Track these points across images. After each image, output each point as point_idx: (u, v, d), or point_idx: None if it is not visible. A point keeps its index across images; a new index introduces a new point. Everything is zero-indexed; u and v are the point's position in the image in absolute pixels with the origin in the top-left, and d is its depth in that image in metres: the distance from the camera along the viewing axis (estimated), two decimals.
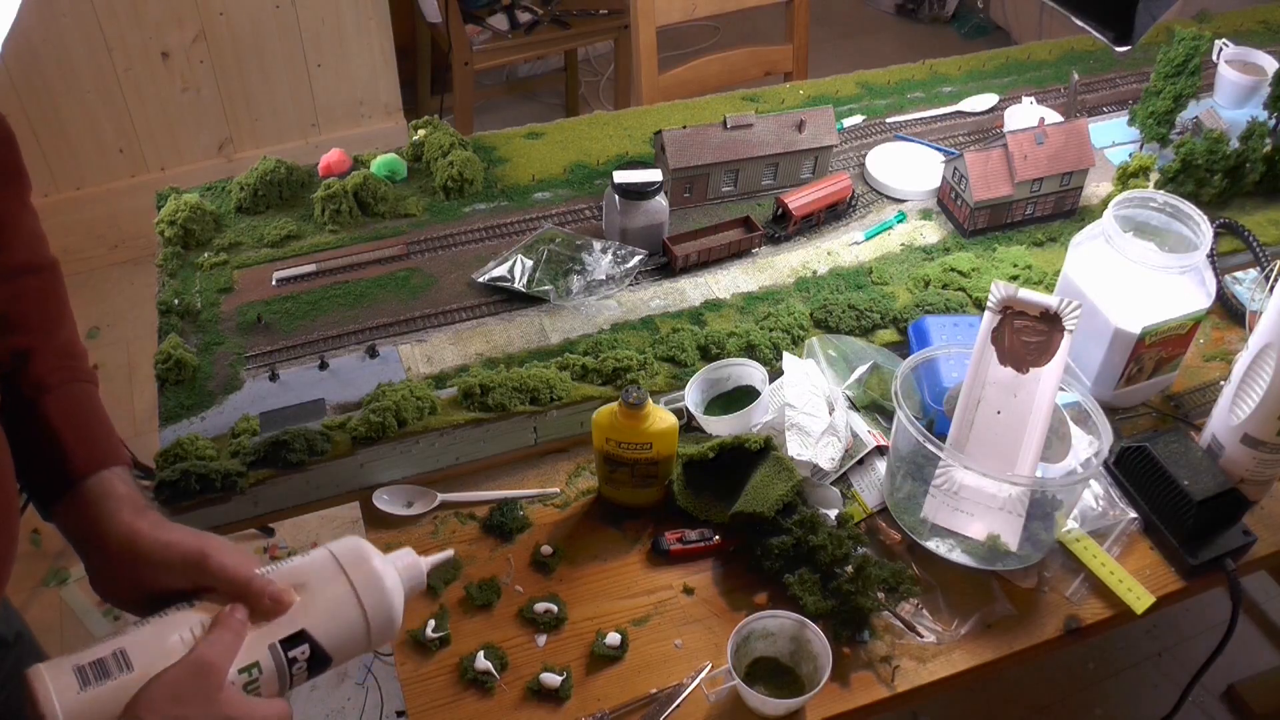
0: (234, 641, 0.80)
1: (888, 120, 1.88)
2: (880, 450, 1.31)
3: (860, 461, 1.31)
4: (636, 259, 1.53)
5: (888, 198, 1.72)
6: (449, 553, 1.07)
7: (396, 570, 0.88)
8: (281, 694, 0.83)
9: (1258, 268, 1.58)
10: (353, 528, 1.86)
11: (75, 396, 0.92)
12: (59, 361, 0.92)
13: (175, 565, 0.84)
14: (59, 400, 0.91)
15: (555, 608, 1.17)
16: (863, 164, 1.77)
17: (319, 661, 0.84)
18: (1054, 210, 1.68)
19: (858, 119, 1.87)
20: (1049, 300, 1.18)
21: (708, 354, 1.41)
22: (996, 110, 1.91)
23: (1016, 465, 1.20)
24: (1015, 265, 1.57)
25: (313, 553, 0.89)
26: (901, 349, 1.44)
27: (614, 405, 1.20)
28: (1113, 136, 1.85)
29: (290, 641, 0.82)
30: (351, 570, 0.86)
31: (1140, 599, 1.19)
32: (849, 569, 1.16)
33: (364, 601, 0.85)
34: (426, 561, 0.92)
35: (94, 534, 0.86)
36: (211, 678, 0.78)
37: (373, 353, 1.40)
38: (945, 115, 1.90)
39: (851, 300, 1.49)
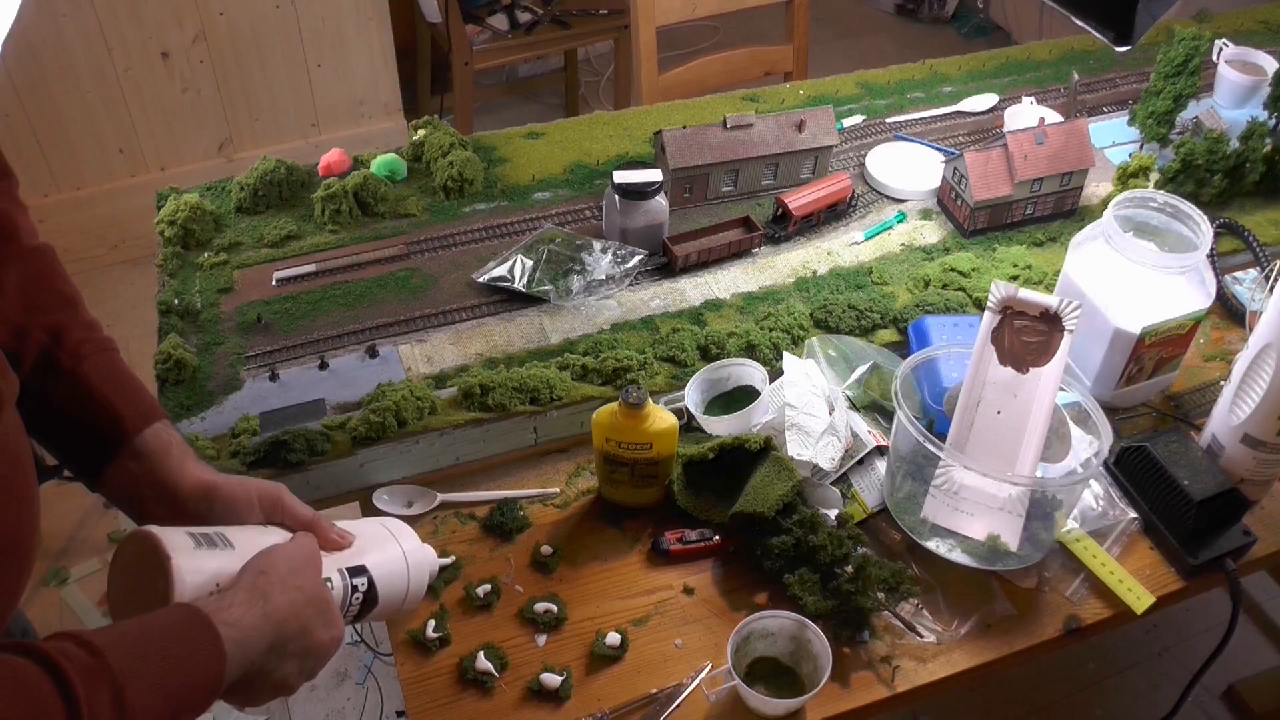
0: (317, 549, 0.90)
1: (888, 120, 1.88)
2: (880, 450, 1.31)
3: (860, 461, 1.31)
4: (636, 259, 1.53)
5: (888, 198, 1.72)
6: (452, 559, 1.18)
7: (427, 551, 1.03)
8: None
9: (1258, 268, 1.58)
10: None
11: (109, 361, 0.96)
12: (86, 332, 0.96)
13: (255, 503, 0.93)
14: (97, 366, 0.95)
15: (555, 608, 1.17)
16: (863, 164, 1.77)
17: (369, 602, 0.95)
18: (1054, 210, 1.68)
19: (858, 119, 1.87)
20: (1049, 300, 1.18)
21: (708, 354, 1.41)
22: (996, 110, 1.91)
23: (1016, 465, 1.20)
24: (1015, 265, 1.57)
25: (363, 519, 1.04)
26: (901, 349, 1.44)
27: (614, 405, 1.20)
28: (1113, 136, 1.85)
29: (355, 572, 0.93)
30: (400, 538, 1.01)
31: (1140, 599, 1.19)
32: (849, 569, 1.16)
33: (410, 564, 0.99)
34: (441, 560, 1.08)
35: (160, 485, 0.92)
36: (315, 563, 0.88)
37: (373, 353, 1.40)
38: (945, 115, 1.90)
39: (851, 300, 1.48)
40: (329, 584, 0.90)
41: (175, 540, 0.81)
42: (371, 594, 0.94)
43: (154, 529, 0.81)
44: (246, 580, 0.82)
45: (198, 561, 0.81)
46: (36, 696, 0.65)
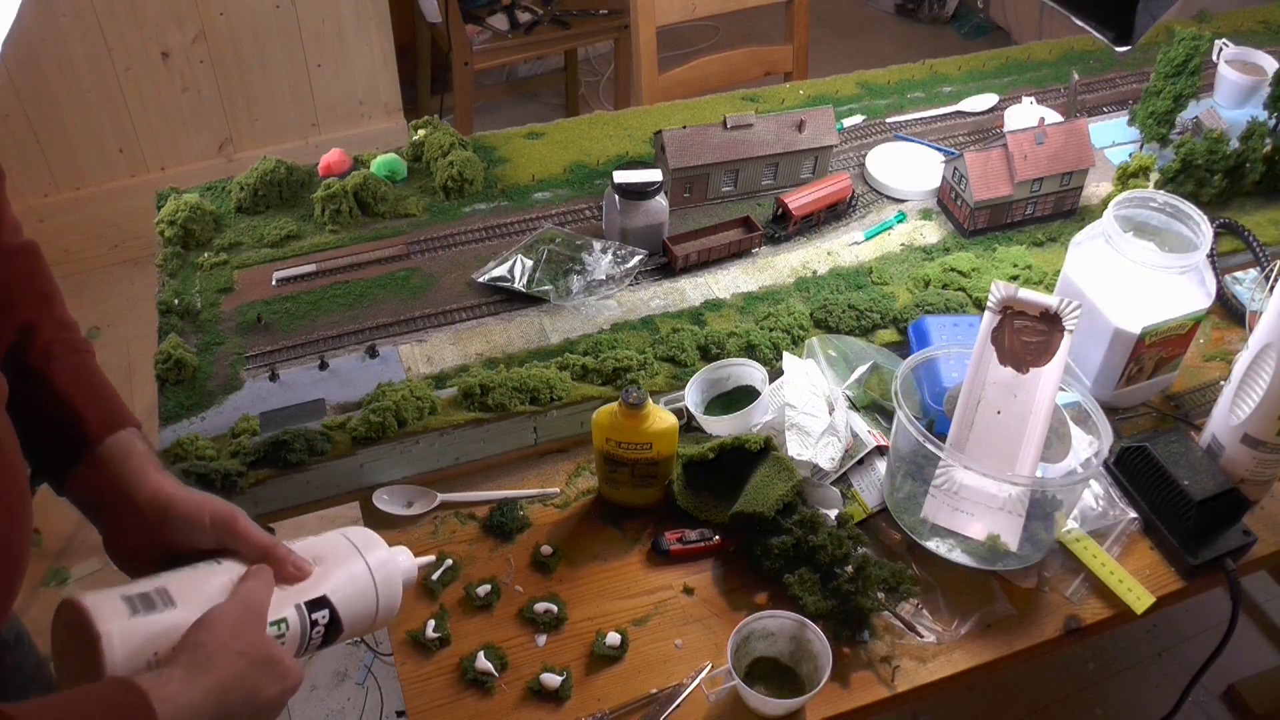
0: (268, 592, 0.84)
1: (888, 120, 1.88)
2: (880, 450, 1.31)
3: (860, 461, 1.31)
4: (636, 259, 1.53)
5: (888, 198, 1.72)
6: (432, 559, 1.12)
7: (398, 560, 0.94)
8: (298, 656, 0.87)
9: (1258, 268, 1.58)
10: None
11: (80, 364, 0.94)
12: (58, 332, 0.94)
13: (207, 524, 0.87)
14: (65, 368, 0.92)
15: (555, 608, 1.17)
16: (863, 164, 1.77)
17: (333, 629, 0.89)
18: (1054, 210, 1.68)
19: (858, 119, 1.87)
20: (1049, 300, 1.18)
21: (708, 354, 1.41)
22: (996, 110, 1.91)
23: (1016, 465, 1.20)
24: (1015, 265, 1.57)
25: (325, 534, 0.94)
26: (901, 349, 1.44)
27: (614, 405, 1.20)
28: (1113, 136, 1.85)
29: (314, 605, 0.87)
30: (365, 551, 0.92)
31: (1140, 599, 1.19)
32: (849, 569, 1.16)
33: (376, 579, 0.91)
34: (419, 561, 0.98)
35: (118, 494, 0.88)
36: (260, 616, 0.82)
37: (373, 353, 1.40)
38: (945, 115, 1.90)
39: (851, 300, 1.48)
40: (283, 625, 0.85)
41: (108, 608, 0.77)
42: (335, 622, 0.89)
43: (85, 598, 0.77)
44: (185, 655, 0.77)
45: (132, 629, 0.77)
46: None
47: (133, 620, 0.77)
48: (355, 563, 0.92)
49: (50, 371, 0.91)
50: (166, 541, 0.87)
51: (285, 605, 0.86)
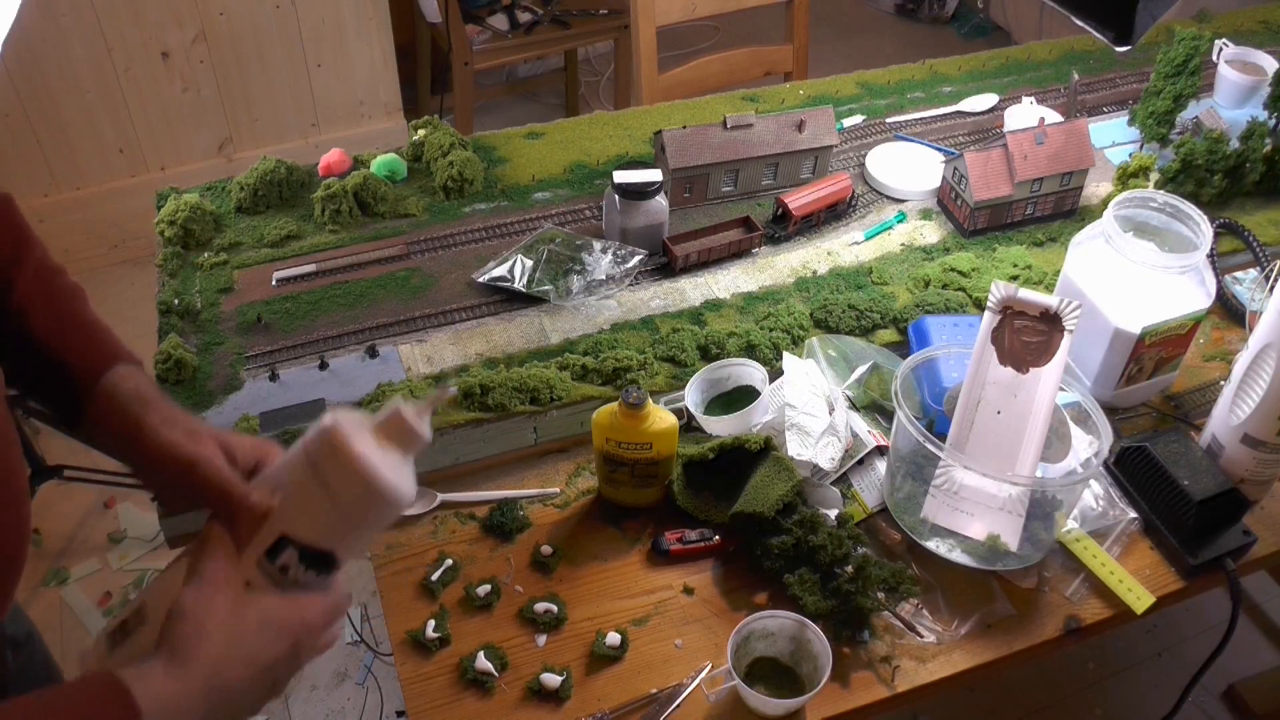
0: (224, 559, 0.77)
1: (888, 120, 1.88)
2: (880, 450, 1.31)
3: (860, 461, 1.31)
4: (636, 259, 1.53)
5: (888, 198, 1.72)
6: (451, 390, 0.99)
7: (379, 437, 0.78)
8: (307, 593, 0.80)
9: (1258, 268, 1.58)
10: None
11: (59, 310, 0.90)
12: (34, 282, 0.89)
13: (169, 474, 0.81)
14: (44, 316, 0.88)
15: (555, 608, 1.17)
16: (863, 164, 1.77)
17: (317, 559, 0.79)
18: (1054, 210, 1.68)
19: (858, 119, 1.87)
20: (1049, 300, 1.18)
21: (708, 354, 1.41)
22: (996, 110, 1.91)
23: (1016, 465, 1.20)
24: (1015, 265, 1.57)
25: (292, 446, 0.82)
26: (901, 349, 1.44)
27: (614, 405, 1.20)
28: (1113, 136, 1.85)
29: (273, 552, 0.78)
30: (320, 460, 0.78)
31: (1140, 599, 1.19)
32: (849, 569, 1.16)
33: (335, 489, 0.77)
34: (417, 409, 0.79)
35: (120, 440, 0.85)
36: (223, 585, 0.75)
37: (373, 353, 1.40)
38: (945, 115, 1.90)
39: (851, 300, 1.48)
40: (252, 584, 0.77)
41: (92, 658, 0.77)
42: (312, 553, 0.78)
43: (81, 658, 0.76)
44: (163, 649, 0.73)
45: (115, 665, 0.74)
46: None
47: (114, 656, 0.76)
48: (305, 479, 0.78)
49: (29, 324, 0.88)
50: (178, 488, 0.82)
51: (249, 566, 0.78)
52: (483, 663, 1.11)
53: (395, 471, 0.78)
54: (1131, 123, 1.82)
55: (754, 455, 1.26)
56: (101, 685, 0.69)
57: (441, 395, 0.85)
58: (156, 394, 0.87)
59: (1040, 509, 1.22)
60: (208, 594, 0.75)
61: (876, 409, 1.37)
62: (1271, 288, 1.38)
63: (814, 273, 1.57)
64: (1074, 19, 1.07)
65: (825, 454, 1.26)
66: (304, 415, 1.31)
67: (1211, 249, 1.37)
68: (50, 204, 2.88)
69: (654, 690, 1.11)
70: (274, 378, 1.37)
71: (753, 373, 1.35)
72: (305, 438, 0.79)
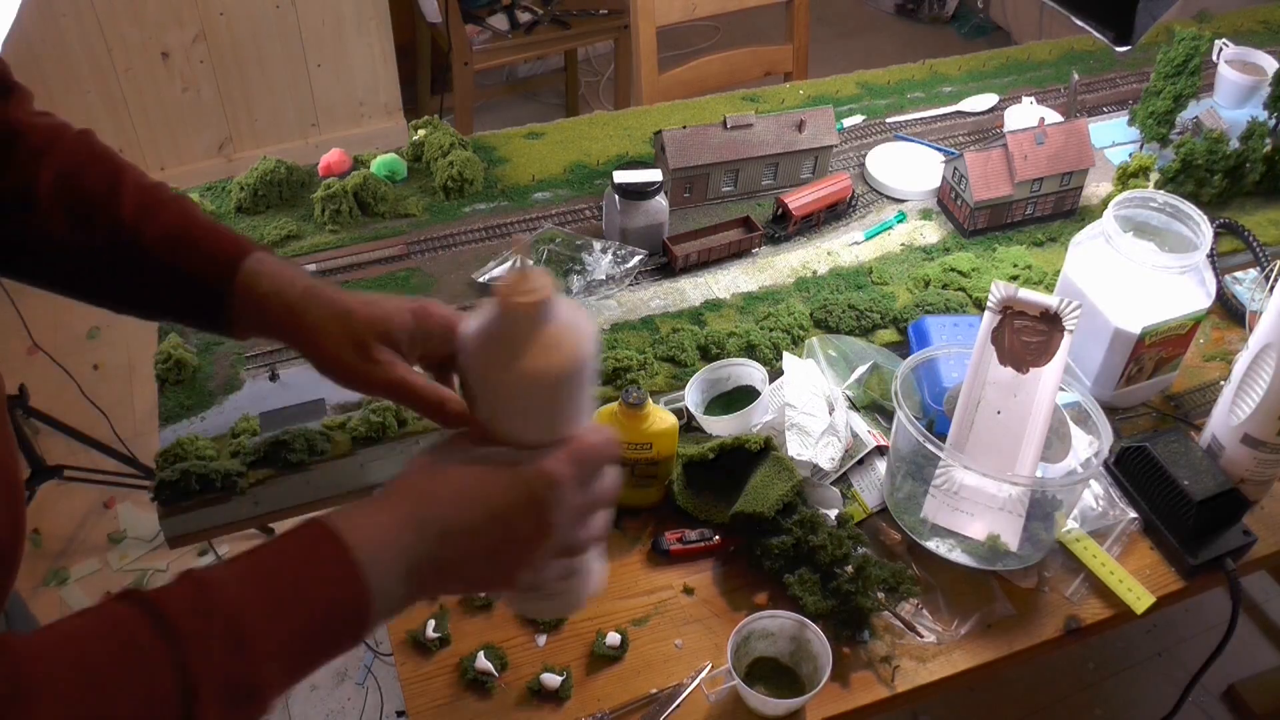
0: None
1: (888, 120, 1.88)
2: (880, 450, 1.31)
3: (860, 461, 1.31)
4: (636, 259, 1.53)
5: (888, 198, 1.72)
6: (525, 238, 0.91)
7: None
8: None
9: (1258, 268, 1.58)
10: None
11: (172, 219, 0.88)
12: (140, 195, 0.88)
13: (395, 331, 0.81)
14: (161, 227, 0.86)
15: None
16: (863, 164, 1.77)
17: None
18: (1054, 210, 1.68)
19: (858, 119, 1.87)
20: (1049, 300, 1.18)
21: (708, 354, 1.41)
22: (996, 110, 1.91)
23: (1016, 465, 1.20)
24: (1015, 265, 1.57)
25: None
26: (901, 349, 1.44)
27: (614, 405, 1.20)
28: (1113, 136, 1.85)
29: None
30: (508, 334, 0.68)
31: (1140, 599, 1.19)
32: (849, 569, 1.16)
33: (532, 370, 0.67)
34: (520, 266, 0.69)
35: (281, 317, 0.84)
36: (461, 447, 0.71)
37: None
38: (945, 115, 1.90)
39: (851, 300, 1.48)
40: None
41: None
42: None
43: None
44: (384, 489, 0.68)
45: None
46: (133, 639, 0.58)
47: None
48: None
49: (145, 240, 0.86)
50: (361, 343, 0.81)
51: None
52: (483, 662, 1.11)
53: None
54: (1131, 123, 1.82)
55: (754, 455, 1.26)
56: (305, 529, 0.65)
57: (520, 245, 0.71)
58: (296, 274, 0.86)
59: (1040, 509, 1.22)
60: (442, 453, 0.71)
61: (876, 409, 1.37)
62: (1271, 288, 1.38)
63: (814, 273, 1.57)
64: (1074, 19, 1.07)
65: (825, 454, 1.26)
66: (304, 415, 1.31)
67: (1211, 249, 1.37)
68: None
69: (654, 690, 1.11)
70: (274, 378, 1.37)
71: (753, 373, 1.35)
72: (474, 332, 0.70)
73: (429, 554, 0.65)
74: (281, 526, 1.13)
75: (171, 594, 0.60)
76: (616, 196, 1.53)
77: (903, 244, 1.63)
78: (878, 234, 1.64)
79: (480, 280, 1.50)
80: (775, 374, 1.37)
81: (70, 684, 0.56)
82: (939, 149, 1.79)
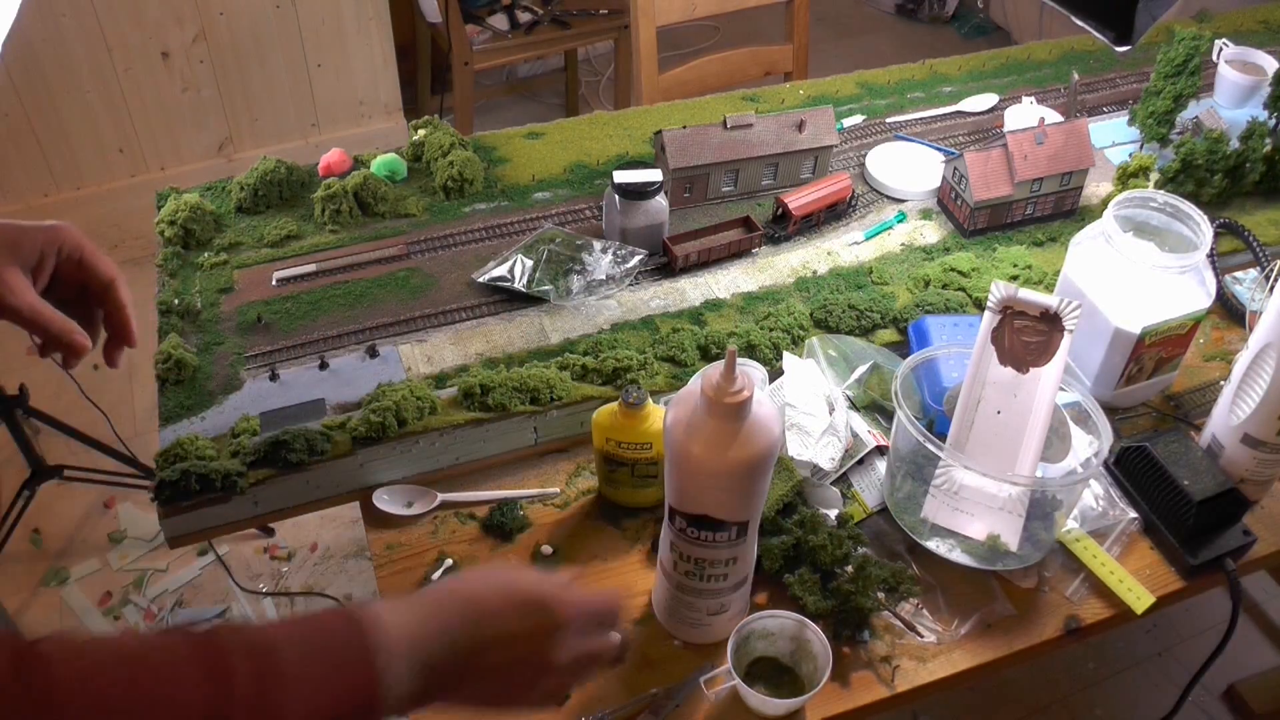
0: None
1: (888, 120, 1.88)
2: (880, 450, 1.31)
3: (860, 461, 1.31)
4: (636, 259, 1.53)
5: (888, 198, 1.72)
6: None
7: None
8: None
9: (1258, 268, 1.58)
10: (353, 527, 1.86)
11: None
12: None
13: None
14: None
15: None
16: (863, 164, 1.77)
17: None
18: (1054, 210, 1.68)
19: (858, 119, 1.87)
20: (1049, 300, 1.18)
21: (708, 354, 1.41)
22: (996, 110, 1.91)
23: (1016, 465, 1.20)
24: (1015, 265, 1.57)
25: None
26: (901, 349, 1.44)
27: (614, 405, 1.20)
28: (1113, 136, 1.85)
29: None
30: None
31: (1140, 599, 1.19)
32: (849, 569, 1.16)
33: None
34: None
35: None
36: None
37: (373, 353, 1.40)
38: (945, 115, 1.90)
39: (851, 300, 1.48)
40: None
41: None
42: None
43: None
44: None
45: None
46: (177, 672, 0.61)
47: None
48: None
49: None
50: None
51: None
52: None
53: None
54: (1131, 123, 1.82)
55: None
56: (335, 613, 0.69)
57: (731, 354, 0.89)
58: None
59: (1040, 509, 1.22)
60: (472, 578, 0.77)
61: (876, 409, 1.37)
62: (1271, 288, 1.38)
63: (814, 273, 1.57)
64: (1074, 19, 1.07)
65: (825, 454, 1.26)
66: (304, 415, 1.31)
67: (1211, 249, 1.37)
68: (50, 204, 2.88)
69: (654, 690, 1.11)
70: (274, 378, 1.37)
71: (753, 373, 1.35)
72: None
73: (443, 654, 0.70)
74: (281, 526, 1.13)
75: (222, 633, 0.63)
76: (616, 196, 1.53)
77: (903, 244, 1.63)
78: (878, 234, 1.64)
79: (480, 280, 1.50)
80: (775, 374, 1.37)
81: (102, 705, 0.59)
82: (939, 149, 1.79)
